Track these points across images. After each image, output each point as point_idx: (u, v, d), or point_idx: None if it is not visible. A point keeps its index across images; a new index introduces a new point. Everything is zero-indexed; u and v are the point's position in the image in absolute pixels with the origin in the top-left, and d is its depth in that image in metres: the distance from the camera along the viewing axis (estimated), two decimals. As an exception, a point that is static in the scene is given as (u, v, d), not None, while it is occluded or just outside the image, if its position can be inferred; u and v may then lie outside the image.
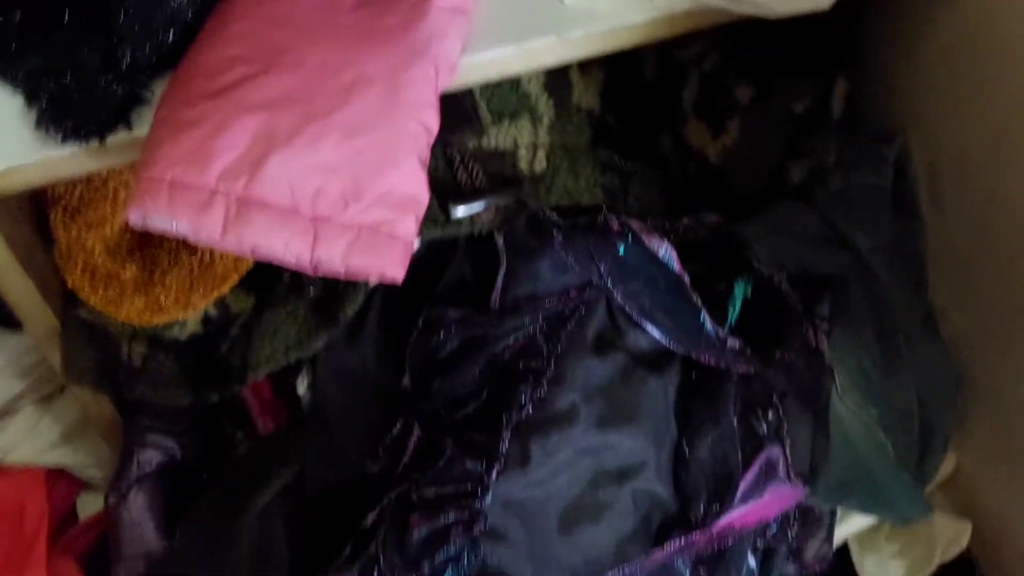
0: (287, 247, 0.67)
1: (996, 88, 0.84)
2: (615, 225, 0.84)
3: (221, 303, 0.91)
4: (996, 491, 1.01)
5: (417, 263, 0.89)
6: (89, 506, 1.14)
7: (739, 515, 0.85)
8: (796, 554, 0.98)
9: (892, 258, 0.97)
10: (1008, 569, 1.01)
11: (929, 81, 0.92)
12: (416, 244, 0.87)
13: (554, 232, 0.84)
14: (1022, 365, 0.92)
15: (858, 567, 1.04)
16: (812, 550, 0.99)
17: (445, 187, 0.84)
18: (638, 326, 0.86)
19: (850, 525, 1.03)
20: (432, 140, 0.71)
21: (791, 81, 0.98)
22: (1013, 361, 0.94)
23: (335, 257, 0.68)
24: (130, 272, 0.82)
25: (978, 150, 0.89)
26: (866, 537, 1.05)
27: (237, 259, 0.85)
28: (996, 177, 0.88)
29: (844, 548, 1.06)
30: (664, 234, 0.86)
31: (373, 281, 0.75)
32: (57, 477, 1.10)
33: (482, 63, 0.77)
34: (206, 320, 0.91)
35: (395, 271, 0.70)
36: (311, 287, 0.87)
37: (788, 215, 0.96)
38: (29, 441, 1.07)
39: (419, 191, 0.70)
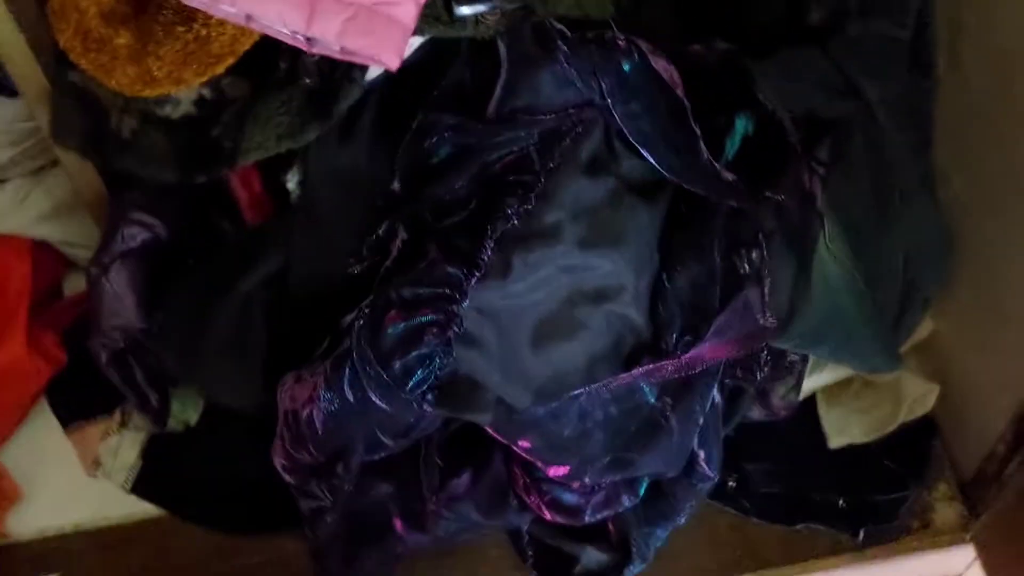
0: (282, 18, 0.66)
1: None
2: (622, 43, 0.82)
3: (216, 86, 0.89)
4: (969, 358, 1.02)
5: (416, 66, 0.88)
6: (75, 285, 1.16)
7: (710, 348, 0.86)
8: (763, 397, 1.01)
9: (900, 114, 0.95)
10: (969, 435, 1.03)
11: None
12: (417, 40, 0.86)
13: (559, 43, 0.82)
14: (1013, 234, 0.92)
15: (822, 419, 1.07)
16: (779, 395, 1.00)
17: (452, -17, 0.81)
18: (633, 152, 0.85)
19: (820, 378, 1.05)
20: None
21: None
22: (1005, 229, 0.93)
23: (330, 34, 0.67)
24: (123, 39, 0.80)
25: (1004, 6, 0.86)
26: (834, 391, 1.07)
27: (234, 39, 0.82)
28: (1018, 36, 0.86)
29: (811, 400, 1.08)
30: (672, 58, 0.84)
31: (370, 65, 0.73)
32: (44, 252, 1.10)
33: None
34: (200, 102, 0.90)
35: (391, 56, 0.68)
36: (308, 77, 0.85)
37: (800, 58, 0.94)
38: (17, 212, 1.07)
39: (423, -25, 0.68)
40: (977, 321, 1.00)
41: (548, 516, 0.93)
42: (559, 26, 0.83)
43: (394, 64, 0.68)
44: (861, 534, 1.03)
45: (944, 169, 0.97)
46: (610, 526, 1.00)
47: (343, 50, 0.67)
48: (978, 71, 0.93)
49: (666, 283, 0.87)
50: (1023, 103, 0.85)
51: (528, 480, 0.93)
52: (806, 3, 0.93)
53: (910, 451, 1.06)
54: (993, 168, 0.93)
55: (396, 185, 0.89)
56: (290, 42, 0.66)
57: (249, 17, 0.65)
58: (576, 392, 0.84)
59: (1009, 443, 0.97)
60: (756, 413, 1.02)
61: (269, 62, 0.88)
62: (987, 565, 1.03)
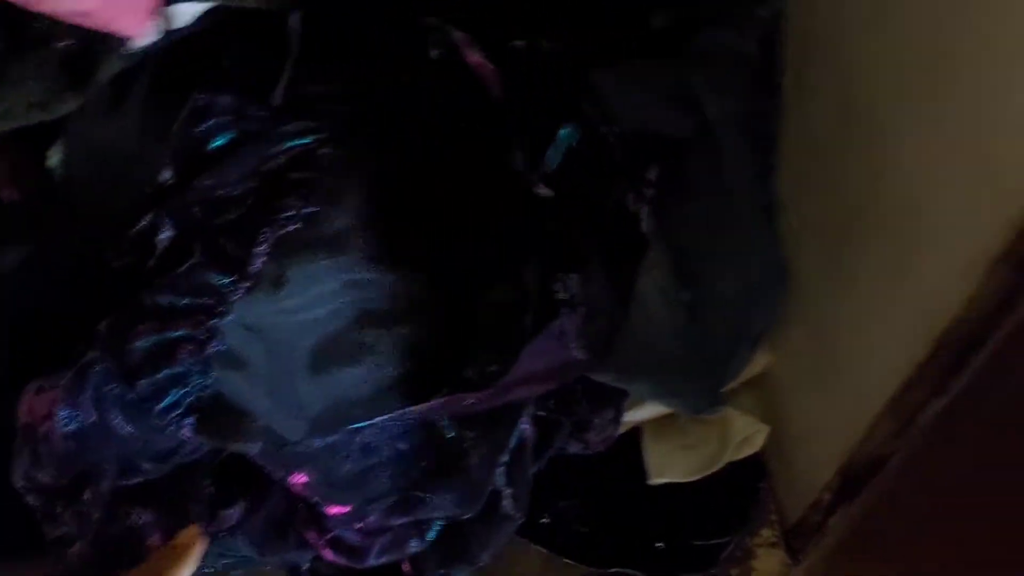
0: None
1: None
2: (435, 27, 0.72)
3: (-42, 41, 0.75)
4: (801, 399, 0.96)
5: (198, 37, 0.76)
6: None
7: (518, 381, 0.77)
8: (580, 430, 0.92)
9: (743, 135, 0.88)
10: (796, 480, 0.98)
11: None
12: (201, 7, 0.74)
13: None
14: (850, 275, 0.86)
15: (645, 454, 0.99)
16: (597, 429, 0.92)
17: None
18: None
19: (643, 411, 0.97)
20: None
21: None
22: (842, 269, 0.87)
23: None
24: None
25: (854, 25, 0.79)
26: (658, 426, 0.99)
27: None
28: (866, 63, 0.79)
29: (633, 433, 1.01)
30: (491, 55, 0.75)
31: (107, 31, 0.61)
32: None
33: None
34: (-62, 59, 0.76)
35: (131, 23, 0.56)
36: (60, 40, 0.73)
37: (643, 67, 0.86)
38: None
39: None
40: (810, 362, 0.94)
41: (331, 557, 0.83)
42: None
43: (135, 32, 0.56)
44: (678, 581, 0.97)
45: (784, 199, 0.91)
46: (405, 568, 0.90)
47: (74, 11, 0.55)
48: (821, 95, 0.86)
49: (472, 306, 0.77)
50: (859, 137, 0.79)
51: (309, 515, 0.83)
52: (650, 7, 0.85)
53: (735, 493, 0.99)
54: (831, 203, 0.86)
55: (167, 173, 0.77)
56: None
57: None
58: (359, 424, 0.75)
59: (835, 492, 0.91)
60: (572, 446, 0.94)
61: (23, 18, 0.75)
62: (807, 616, 0.98)
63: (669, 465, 0.98)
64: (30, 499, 0.82)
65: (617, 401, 0.90)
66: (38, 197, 0.83)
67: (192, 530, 0.69)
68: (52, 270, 0.80)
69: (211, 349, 0.69)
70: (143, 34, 0.57)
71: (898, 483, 0.85)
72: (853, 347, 0.87)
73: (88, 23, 0.57)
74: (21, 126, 0.77)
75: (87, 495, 0.79)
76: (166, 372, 0.69)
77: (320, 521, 0.83)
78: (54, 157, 0.82)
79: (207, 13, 0.74)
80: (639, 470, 1.00)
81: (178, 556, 0.67)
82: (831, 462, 0.90)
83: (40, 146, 0.84)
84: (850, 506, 0.89)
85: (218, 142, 0.74)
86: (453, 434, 0.80)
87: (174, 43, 0.74)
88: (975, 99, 0.65)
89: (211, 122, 0.74)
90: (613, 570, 0.97)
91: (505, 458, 0.82)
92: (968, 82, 0.65)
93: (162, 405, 0.70)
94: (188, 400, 0.70)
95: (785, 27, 0.87)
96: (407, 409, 0.75)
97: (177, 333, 0.69)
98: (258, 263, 0.70)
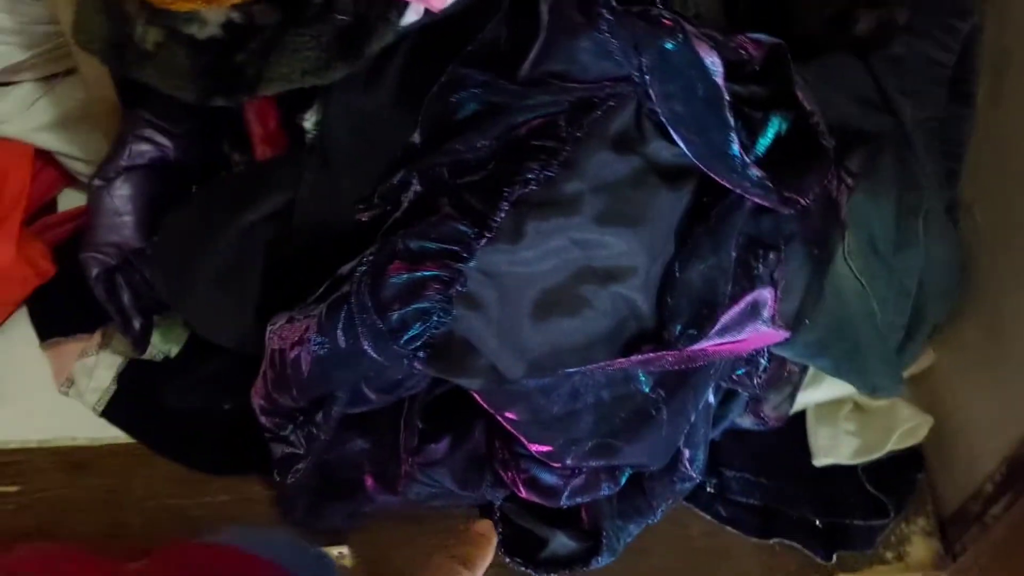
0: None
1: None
2: (668, 20, 0.80)
3: (247, 11, 0.87)
4: (966, 393, 1.01)
5: (454, 18, 0.86)
6: (71, 201, 1.13)
7: (712, 345, 0.84)
8: (756, 404, 0.99)
9: (934, 138, 0.94)
10: (956, 471, 1.02)
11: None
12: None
13: (603, 12, 0.80)
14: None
15: (811, 435, 1.05)
16: (772, 405, 0.99)
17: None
18: (663, 134, 0.83)
19: (815, 393, 1.03)
20: None
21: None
22: (1017, 270, 0.92)
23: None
24: (159, -55, 0.78)
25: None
26: (825, 410, 1.05)
27: (271, -38, 0.80)
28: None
29: (800, 416, 1.06)
30: (716, 45, 0.82)
31: (408, 6, 0.71)
32: (44, 162, 1.08)
33: None
34: (228, 25, 0.87)
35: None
36: (341, 14, 0.83)
37: (841, 68, 0.93)
38: (23, 117, 1.04)
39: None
40: (979, 357, 0.98)
41: (524, 494, 0.91)
42: (607, -6, 0.81)
43: (438, 4, 0.66)
44: (834, 558, 1.02)
45: (969, 202, 0.96)
46: (583, 515, 0.98)
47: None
48: (1015, 109, 0.91)
49: (677, 272, 0.85)
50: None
51: (508, 455, 0.91)
52: (855, 13, 0.92)
53: (894, 480, 1.04)
54: (1015, 209, 0.91)
55: (417, 137, 0.87)
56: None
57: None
58: (571, 370, 0.83)
59: (998, 483, 0.95)
60: (746, 421, 1.00)
61: (304, -6, 0.86)
62: (957, 610, 1.02)
63: (834, 448, 1.04)
64: (264, 419, 0.93)
65: (795, 379, 0.97)
66: (291, 156, 0.94)
67: (486, 522, 0.73)
68: (303, 219, 0.91)
69: (454, 290, 0.78)
70: (442, 5, 0.66)
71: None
72: (1021, 344, 0.92)
73: (396, -4, 0.66)
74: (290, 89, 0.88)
75: (319, 418, 0.89)
76: (414, 307, 0.78)
77: (517, 462, 0.91)
78: (309, 120, 0.92)
79: (466, -4, 0.84)
80: (802, 450, 1.05)
81: (479, 543, 0.68)
82: (995, 454, 0.95)
83: (291, 111, 0.95)
84: (1016, 499, 0.93)
85: (467, 111, 0.84)
86: (648, 390, 0.87)
87: (433, 21, 0.84)
88: None
89: (463, 93, 0.83)
90: (773, 540, 1.03)
91: (691, 419, 0.90)
92: None
93: (406, 336, 0.78)
94: (427, 334, 0.79)
95: (981, 39, 0.93)
96: (615, 360, 0.83)
97: (427, 273, 0.78)
98: (500, 217, 0.79)
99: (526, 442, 0.87)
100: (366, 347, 0.80)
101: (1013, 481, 0.92)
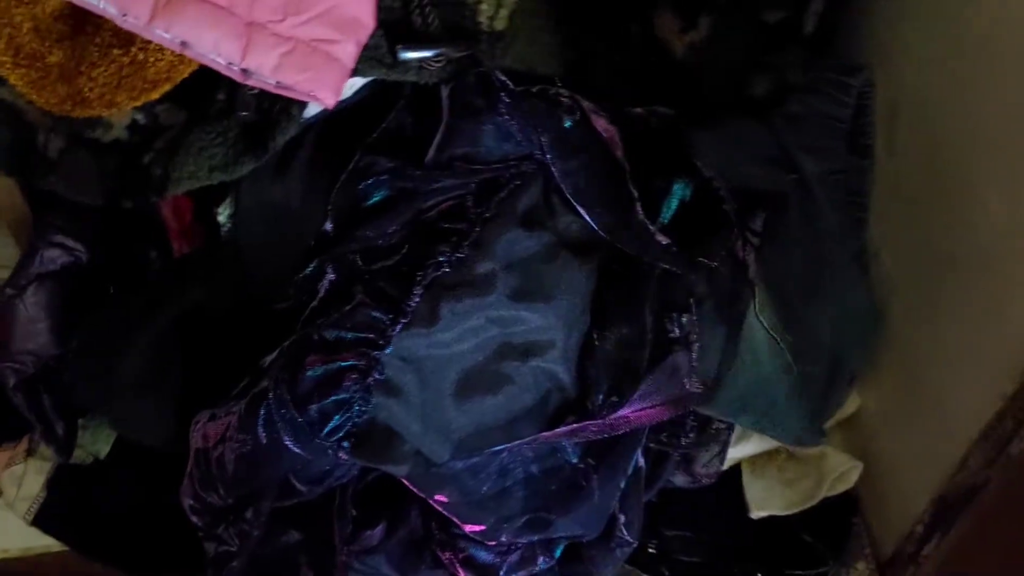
0: (218, 47, 0.65)
1: (964, 32, 0.83)
2: (565, 99, 0.82)
3: (151, 113, 0.87)
4: (892, 437, 1.02)
5: (357, 107, 0.88)
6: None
7: (635, 411, 0.85)
8: (687, 463, 1.00)
9: (837, 191, 0.96)
10: (890, 514, 1.03)
11: (902, 15, 0.91)
12: (359, 81, 0.85)
13: (502, 95, 0.82)
14: (940, 317, 0.93)
15: (746, 489, 1.06)
16: (702, 463, 1.00)
17: (396, 27, 0.80)
18: (570, 209, 0.84)
19: (745, 448, 1.04)
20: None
21: (769, -12, 0.96)
22: (933, 311, 0.94)
23: (266, 68, 0.66)
24: (56, 57, 0.78)
25: (938, 94, 0.88)
26: (759, 461, 1.06)
27: (171, 66, 0.80)
28: (951, 125, 0.87)
29: (735, 469, 1.07)
30: (613, 118, 0.84)
31: (308, 101, 0.72)
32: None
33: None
34: (133, 127, 0.87)
35: (327, 94, 0.67)
36: (244, 110, 0.84)
37: (741, 129, 0.95)
38: (-67, 228, 1.03)
39: (365, 15, 0.67)
40: (901, 400, 1.00)
41: (462, 574, 0.91)
42: (503, 78, 0.82)
43: (330, 102, 0.67)
44: (778, 610, 1.02)
45: (877, 249, 0.99)
46: (525, 589, 0.98)
47: (279, 84, 0.66)
48: (909, 155, 0.95)
49: (595, 342, 0.86)
50: (950, 191, 0.87)
51: (445, 536, 0.91)
52: (750, 78, 0.95)
53: (831, 527, 1.05)
54: (923, 251, 0.94)
55: (328, 226, 0.87)
56: (225, 73, 0.65)
57: (184, 44, 0.64)
58: (498, 448, 0.83)
59: (927, 524, 0.96)
60: (679, 479, 1.01)
61: (207, 92, 0.86)
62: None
63: (769, 499, 1.04)
64: (195, 519, 0.92)
65: (724, 436, 0.98)
66: (206, 250, 0.94)
67: None
68: (220, 313, 0.91)
69: (372, 378, 0.78)
70: (333, 103, 0.67)
71: (991, 512, 0.90)
72: (944, 383, 0.94)
73: (289, 94, 0.68)
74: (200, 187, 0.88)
75: (249, 514, 0.88)
76: (333, 398, 0.78)
77: (454, 542, 0.91)
78: (223, 213, 0.93)
79: (367, 84, 0.85)
80: (739, 503, 1.06)
81: None
82: (923, 495, 0.96)
83: (205, 204, 0.96)
84: (944, 537, 0.95)
85: (376, 198, 0.85)
86: (576, 460, 0.88)
87: (336, 111, 0.85)
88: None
89: (371, 180, 0.84)
90: (717, 597, 1.03)
91: (622, 485, 0.90)
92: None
93: (328, 428, 0.79)
94: (349, 424, 0.79)
95: (874, 94, 0.96)
96: (539, 435, 0.83)
97: (344, 363, 0.78)
98: (414, 302, 0.79)
99: (459, 523, 0.87)
100: (287, 442, 0.79)
101: (940, 521, 0.93)
